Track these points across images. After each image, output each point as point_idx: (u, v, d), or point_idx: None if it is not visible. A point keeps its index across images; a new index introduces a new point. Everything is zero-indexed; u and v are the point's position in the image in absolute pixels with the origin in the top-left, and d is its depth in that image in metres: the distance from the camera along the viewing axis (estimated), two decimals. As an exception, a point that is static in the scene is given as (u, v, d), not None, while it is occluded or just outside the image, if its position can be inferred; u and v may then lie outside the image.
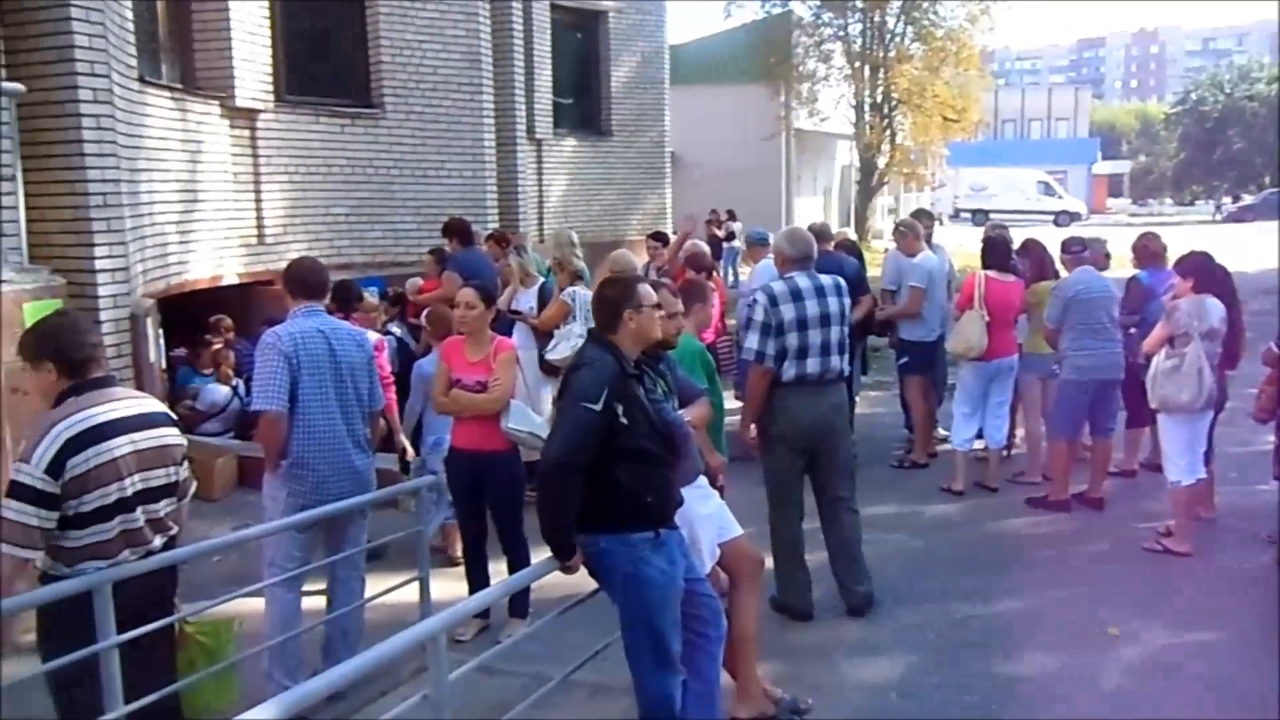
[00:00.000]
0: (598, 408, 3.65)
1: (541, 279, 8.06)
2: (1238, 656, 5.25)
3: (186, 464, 3.86)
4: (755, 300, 5.72)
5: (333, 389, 4.82)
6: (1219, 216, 50.84)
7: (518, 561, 5.54)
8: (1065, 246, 7.77)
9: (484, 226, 11.13)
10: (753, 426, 5.78)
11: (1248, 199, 52.74)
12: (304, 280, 5.00)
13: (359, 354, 4.96)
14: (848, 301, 5.89)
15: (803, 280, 5.66)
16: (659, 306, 4.01)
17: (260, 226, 9.93)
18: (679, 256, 9.62)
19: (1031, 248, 8.53)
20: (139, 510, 3.58)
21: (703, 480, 4.55)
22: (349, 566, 5.08)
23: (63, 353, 3.53)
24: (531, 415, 5.49)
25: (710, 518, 4.48)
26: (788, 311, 5.57)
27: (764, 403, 5.69)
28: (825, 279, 5.76)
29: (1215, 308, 6.56)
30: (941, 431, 9.24)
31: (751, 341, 5.64)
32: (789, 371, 5.61)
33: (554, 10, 14.91)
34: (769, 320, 5.56)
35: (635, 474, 3.75)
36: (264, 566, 4.95)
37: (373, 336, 6.53)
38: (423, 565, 5.20)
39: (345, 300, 6.90)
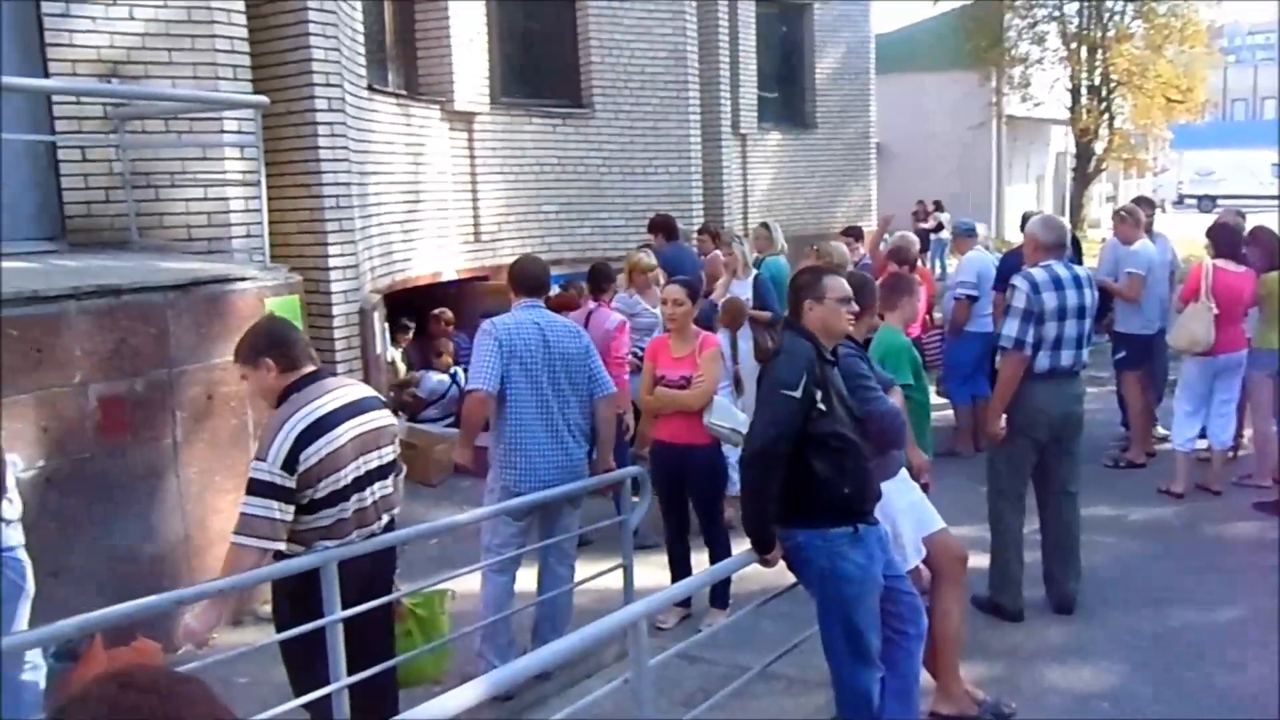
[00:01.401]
0: (797, 394, 3.68)
1: (755, 270, 8.14)
2: None
3: (398, 444, 4.04)
4: (1015, 286, 5.58)
5: (545, 378, 4.96)
6: None
7: (718, 553, 5.63)
8: None
9: (689, 222, 11.28)
10: (1004, 418, 5.59)
11: None
12: (524, 277, 5.22)
13: (574, 344, 5.09)
14: (1096, 294, 5.76)
15: (1061, 269, 5.54)
16: (848, 300, 3.95)
17: (476, 225, 10.36)
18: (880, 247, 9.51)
19: (1261, 235, 8.02)
20: (366, 491, 3.80)
21: (904, 473, 4.54)
22: (559, 553, 5.23)
23: (280, 350, 3.73)
24: (735, 411, 5.55)
25: (909, 510, 4.46)
26: (1050, 300, 5.43)
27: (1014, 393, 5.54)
28: (1080, 270, 5.66)
29: None
30: (1161, 430, 8.83)
31: (1010, 329, 5.47)
32: (1043, 362, 5.48)
33: (759, 4, 14.89)
34: (1031, 307, 5.42)
35: (832, 463, 3.75)
36: (480, 550, 5.18)
37: (616, 318, 6.79)
38: (627, 553, 5.28)
39: (598, 281, 7.20)
